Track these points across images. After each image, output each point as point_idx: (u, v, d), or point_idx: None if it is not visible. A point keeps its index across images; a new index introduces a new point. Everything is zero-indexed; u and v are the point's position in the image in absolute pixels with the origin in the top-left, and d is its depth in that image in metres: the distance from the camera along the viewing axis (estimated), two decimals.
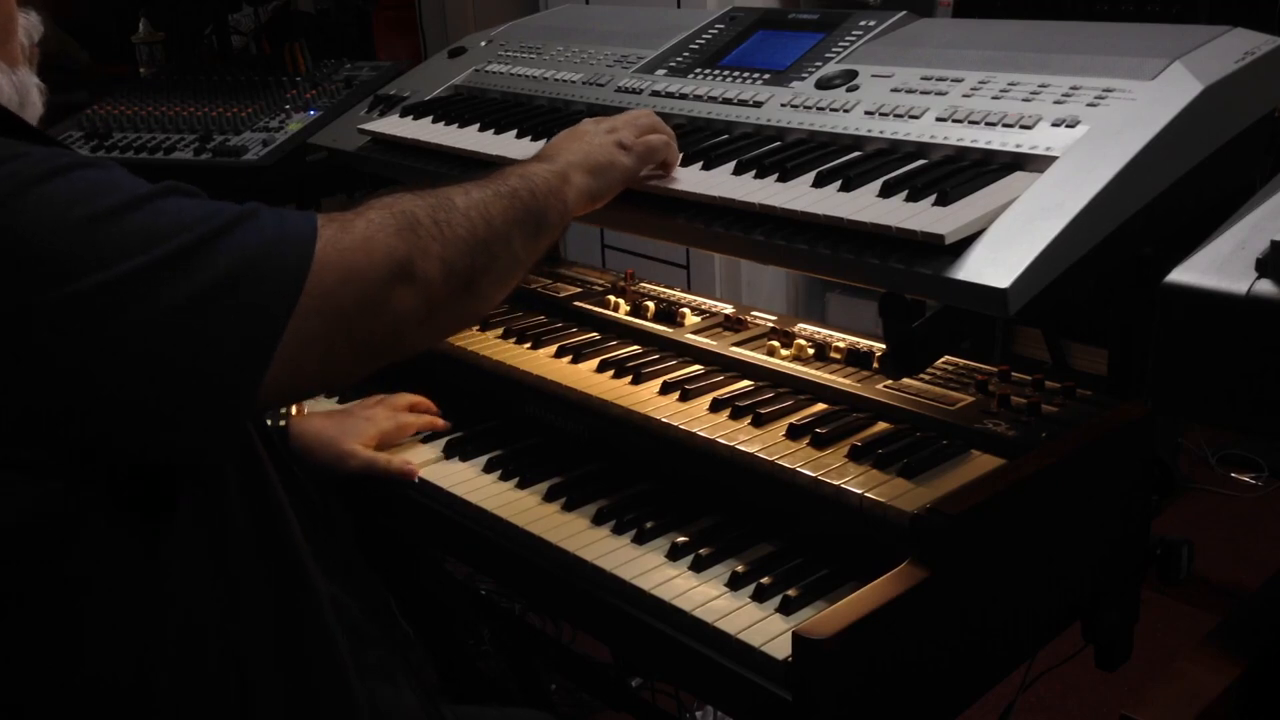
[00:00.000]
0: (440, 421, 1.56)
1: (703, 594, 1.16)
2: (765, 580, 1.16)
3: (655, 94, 1.57)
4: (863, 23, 1.53)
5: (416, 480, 1.45)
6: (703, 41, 1.67)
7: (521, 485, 1.40)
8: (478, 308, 1.11)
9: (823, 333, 1.56)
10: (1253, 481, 3.26)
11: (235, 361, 0.88)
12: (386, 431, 1.51)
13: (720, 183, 1.29)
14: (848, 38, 1.51)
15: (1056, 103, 1.22)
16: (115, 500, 0.89)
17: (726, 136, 1.43)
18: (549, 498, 1.37)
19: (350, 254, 0.95)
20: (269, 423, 1.44)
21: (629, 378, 1.50)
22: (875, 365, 1.45)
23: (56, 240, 0.82)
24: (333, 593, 1.12)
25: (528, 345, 1.63)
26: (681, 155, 1.36)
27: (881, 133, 1.31)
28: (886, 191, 1.17)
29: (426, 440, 1.54)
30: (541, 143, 1.52)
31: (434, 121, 1.72)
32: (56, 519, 0.86)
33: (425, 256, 1.00)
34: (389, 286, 0.97)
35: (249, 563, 1.01)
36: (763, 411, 1.36)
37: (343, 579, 1.18)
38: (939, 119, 1.28)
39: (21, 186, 0.83)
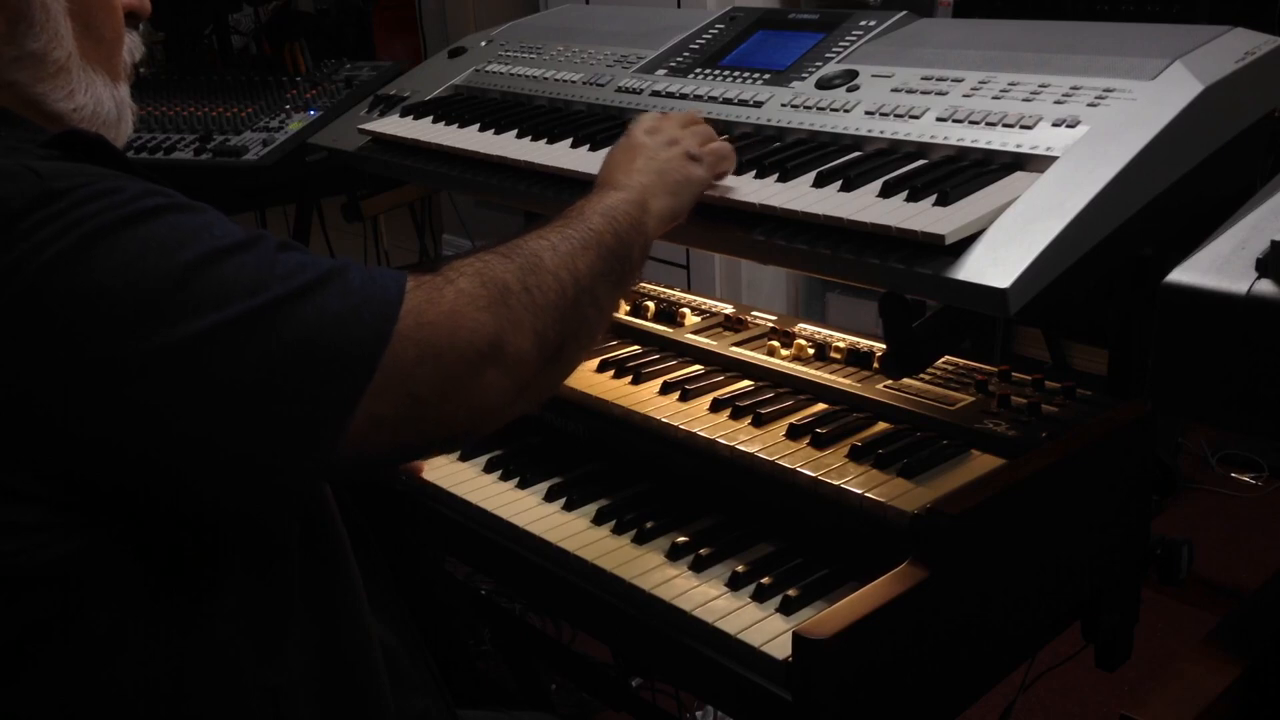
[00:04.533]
0: None
1: (703, 594, 1.16)
2: (765, 580, 1.16)
3: (655, 94, 1.57)
4: (863, 23, 1.53)
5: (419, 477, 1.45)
6: (703, 41, 1.67)
7: (521, 485, 1.40)
8: (564, 376, 1.06)
9: (823, 333, 1.56)
10: (1253, 481, 3.26)
11: (303, 432, 0.84)
12: None
13: (720, 182, 1.29)
14: (848, 38, 1.51)
15: (1057, 103, 1.22)
16: (163, 552, 0.87)
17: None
18: (549, 498, 1.37)
19: (433, 330, 0.89)
20: None
21: (629, 378, 1.50)
22: (875, 365, 1.45)
23: (138, 290, 0.80)
24: (383, 638, 1.10)
25: None
26: None
27: (882, 133, 1.31)
28: (887, 191, 1.17)
29: None
30: (541, 143, 1.52)
31: (434, 121, 1.72)
32: (99, 565, 0.84)
33: (517, 331, 0.93)
34: (474, 370, 0.91)
35: (302, 617, 0.98)
36: (763, 411, 1.36)
37: (389, 620, 1.17)
38: (939, 119, 1.28)
39: (107, 229, 0.80)
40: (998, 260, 1.04)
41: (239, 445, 0.83)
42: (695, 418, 1.38)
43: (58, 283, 0.79)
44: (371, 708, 1.06)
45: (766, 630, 1.09)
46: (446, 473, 1.45)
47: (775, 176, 1.26)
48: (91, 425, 0.81)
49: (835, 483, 1.21)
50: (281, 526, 0.97)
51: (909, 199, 1.14)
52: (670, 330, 1.63)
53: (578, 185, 1.34)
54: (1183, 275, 0.86)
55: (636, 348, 1.61)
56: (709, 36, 1.68)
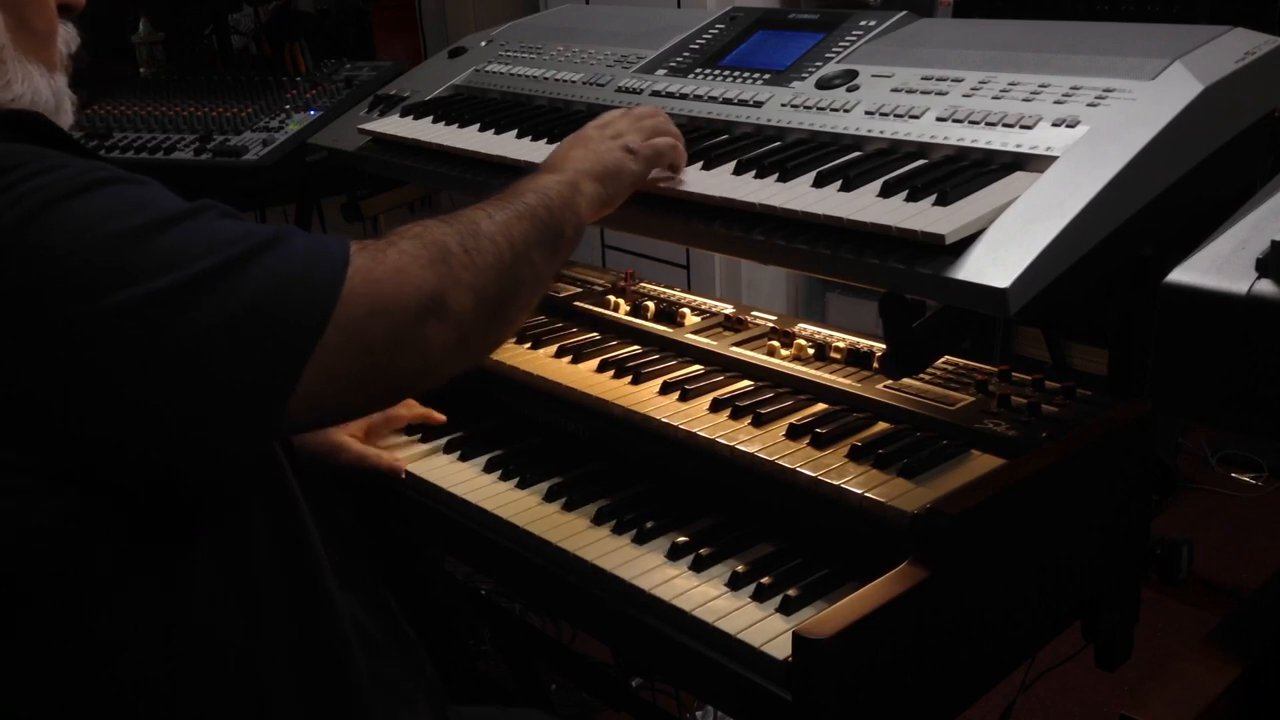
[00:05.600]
0: (436, 415, 1.55)
1: (703, 594, 1.16)
2: (765, 580, 1.16)
3: (655, 94, 1.57)
4: (863, 23, 1.53)
5: (404, 476, 1.45)
6: (703, 41, 1.67)
7: (521, 485, 1.40)
8: (506, 334, 1.11)
9: (823, 333, 1.56)
10: (1253, 481, 3.26)
11: (256, 390, 0.87)
12: (374, 422, 1.52)
13: (720, 183, 1.29)
14: (848, 38, 1.51)
15: (1056, 103, 1.22)
16: (137, 515, 0.89)
17: (726, 136, 1.43)
18: (549, 498, 1.37)
19: (381, 286, 0.93)
20: None
21: (629, 378, 1.50)
22: (875, 365, 1.45)
23: (86, 256, 0.82)
24: (353, 611, 1.12)
25: (528, 345, 1.63)
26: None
27: (881, 133, 1.31)
28: (886, 191, 1.17)
29: (425, 440, 1.54)
30: (541, 143, 1.52)
31: (434, 121, 1.72)
32: (77, 532, 0.86)
33: (457, 287, 0.99)
34: (420, 321, 0.96)
35: (271, 581, 1.00)
36: (763, 411, 1.36)
37: (359, 593, 1.18)
38: (939, 119, 1.28)
39: (55, 200, 0.83)
40: (998, 260, 1.04)
41: (193, 403, 0.85)
42: (695, 418, 1.38)
43: (10, 252, 0.81)
44: (345, 675, 1.07)
45: (766, 630, 1.09)
46: (447, 473, 1.45)
47: (775, 176, 1.26)
48: (47, 387, 0.82)
49: (835, 483, 1.21)
50: (239, 488, 0.98)
51: (909, 199, 1.14)
52: (670, 330, 1.63)
53: None
54: (1183, 275, 0.86)
55: (636, 348, 1.61)
56: (709, 36, 1.68)
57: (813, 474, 1.23)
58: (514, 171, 1.51)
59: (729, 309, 1.69)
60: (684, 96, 1.54)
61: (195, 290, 0.84)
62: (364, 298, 0.92)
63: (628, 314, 1.71)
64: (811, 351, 1.52)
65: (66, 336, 0.81)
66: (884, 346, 1.44)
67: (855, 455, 1.25)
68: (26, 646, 0.87)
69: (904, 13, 1.54)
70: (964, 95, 1.30)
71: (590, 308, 1.74)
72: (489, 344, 1.09)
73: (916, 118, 1.30)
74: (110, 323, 0.82)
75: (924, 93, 1.33)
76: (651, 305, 1.72)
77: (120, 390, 0.83)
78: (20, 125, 0.92)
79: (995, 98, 1.27)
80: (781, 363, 1.50)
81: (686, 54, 1.65)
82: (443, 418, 1.55)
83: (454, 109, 1.74)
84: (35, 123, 0.94)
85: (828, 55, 1.49)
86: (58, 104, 1.05)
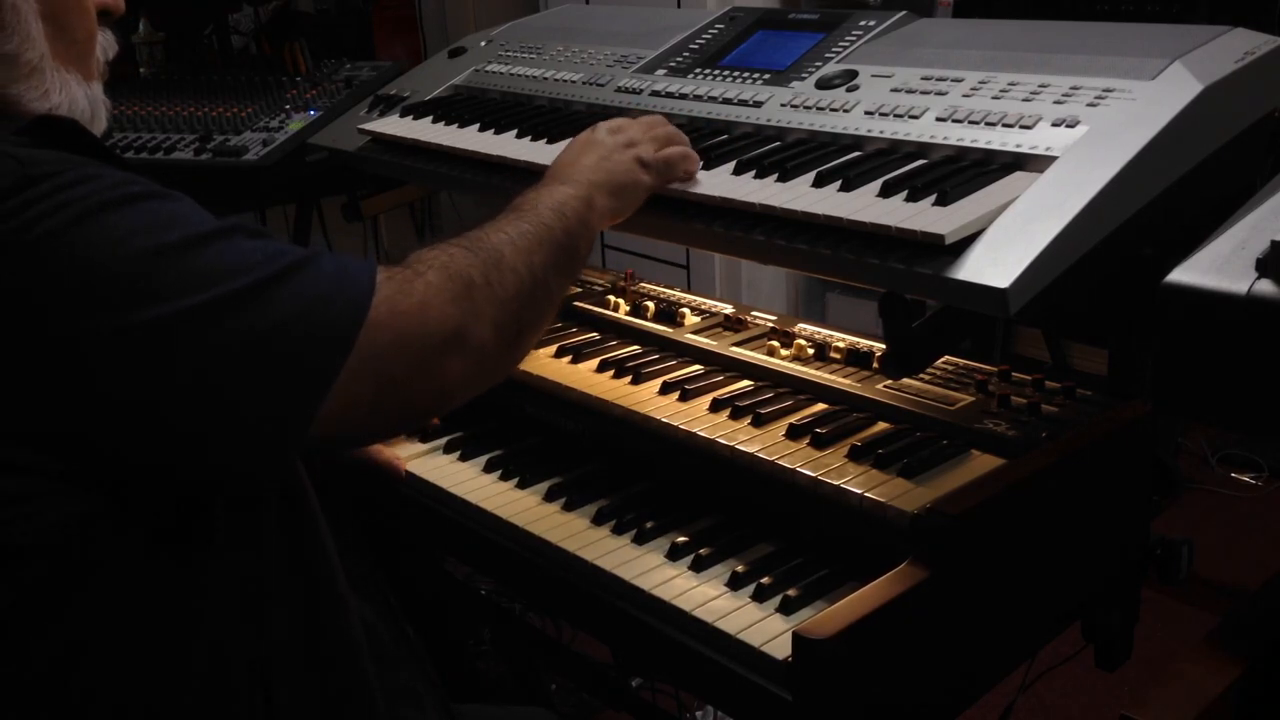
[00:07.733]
0: None
1: (703, 594, 1.16)
2: (765, 580, 1.16)
3: (655, 94, 1.57)
4: (863, 23, 1.53)
5: (404, 476, 1.45)
6: (703, 41, 1.67)
7: (521, 485, 1.40)
8: (521, 358, 1.12)
9: (823, 333, 1.56)
10: (1253, 481, 3.26)
11: (279, 411, 0.88)
12: None
13: (720, 183, 1.29)
14: (848, 38, 1.51)
15: (1056, 103, 1.22)
16: (152, 519, 0.89)
17: (726, 136, 1.43)
18: (549, 498, 1.37)
19: (405, 319, 0.94)
20: None
21: (629, 378, 1.50)
22: (875, 365, 1.45)
23: (117, 270, 0.83)
24: (363, 613, 1.12)
25: None
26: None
27: (881, 133, 1.31)
28: (886, 191, 1.17)
29: (425, 440, 1.54)
30: (541, 143, 1.52)
31: (434, 121, 1.72)
32: (91, 534, 0.86)
33: (479, 321, 1.00)
34: (441, 356, 0.97)
35: (287, 585, 1.01)
36: (763, 411, 1.36)
37: (367, 595, 1.18)
38: (939, 119, 1.28)
39: (89, 212, 0.83)
40: (997, 260, 1.04)
41: (214, 423, 0.86)
42: (695, 418, 1.37)
43: (46, 260, 0.81)
44: (355, 681, 1.07)
45: (766, 630, 1.09)
46: (447, 473, 1.45)
47: (775, 176, 1.26)
48: (73, 398, 0.82)
49: (835, 483, 1.21)
50: (257, 495, 0.99)
51: (909, 199, 1.14)
52: (670, 330, 1.63)
53: None
54: (1183, 275, 0.86)
55: (636, 348, 1.61)
56: (709, 36, 1.68)
57: (813, 474, 1.23)
58: (514, 172, 1.51)
59: (729, 309, 1.69)
60: (684, 96, 1.54)
61: (222, 311, 0.85)
62: (388, 329, 0.93)
63: (627, 314, 1.71)
64: (811, 351, 1.52)
65: (93, 349, 0.82)
66: (884, 346, 1.44)
67: (855, 455, 1.25)
68: (29, 646, 0.87)
69: (904, 13, 1.54)
70: (964, 95, 1.30)
71: (590, 308, 1.74)
72: (506, 369, 1.10)
73: (916, 118, 1.30)
74: (136, 339, 0.82)
75: (924, 93, 1.33)
76: (651, 305, 1.72)
77: (142, 406, 0.84)
78: (55, 130, 0.92)
79: (995, 98, 1.27)
80: (781, 363, 1.50)
81: (686, 54, 1.65)
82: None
83: (454, 109, 1.74)
84: (70, 129, 0.94)
85: (828, 55, 1.49)
86: (94, 112, 1.06)
